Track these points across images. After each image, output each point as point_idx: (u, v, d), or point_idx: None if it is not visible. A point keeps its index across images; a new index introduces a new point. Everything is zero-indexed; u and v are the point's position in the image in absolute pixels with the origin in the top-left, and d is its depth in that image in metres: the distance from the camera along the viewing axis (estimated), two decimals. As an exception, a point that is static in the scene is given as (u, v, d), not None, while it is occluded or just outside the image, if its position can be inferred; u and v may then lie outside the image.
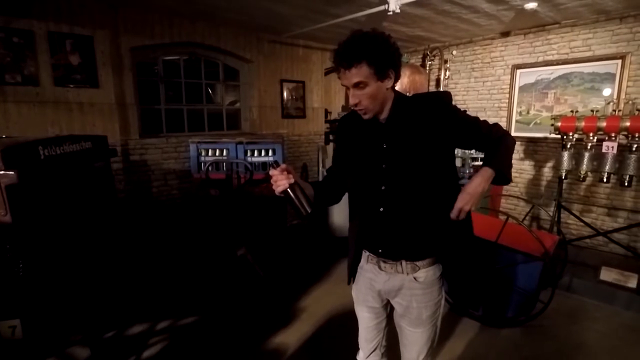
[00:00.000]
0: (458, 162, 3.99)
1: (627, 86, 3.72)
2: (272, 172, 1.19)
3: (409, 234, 1.29)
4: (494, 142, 1.26)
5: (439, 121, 1.21)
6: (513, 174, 4.84)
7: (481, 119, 1.30)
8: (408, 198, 1.26)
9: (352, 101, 1.19)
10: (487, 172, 1.19)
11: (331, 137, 6.07)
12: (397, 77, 1.21)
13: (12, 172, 1.88)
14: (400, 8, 3.03)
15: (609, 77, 3.84)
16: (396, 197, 1.27)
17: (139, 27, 3.62)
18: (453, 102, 1.30)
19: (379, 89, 1.17)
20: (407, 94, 1.92)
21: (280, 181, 1.17)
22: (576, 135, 3.31)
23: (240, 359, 2.43)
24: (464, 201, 1.16)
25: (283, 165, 1.19)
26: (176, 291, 3.24)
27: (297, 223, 5.30)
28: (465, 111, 1.33)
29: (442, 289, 1.40)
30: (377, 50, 1.11)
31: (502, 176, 1.21)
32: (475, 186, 1.17)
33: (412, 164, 1.23)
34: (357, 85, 1.15)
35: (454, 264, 1.35)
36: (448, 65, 5.05)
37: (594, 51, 3.91)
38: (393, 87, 1.24)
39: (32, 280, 2.05)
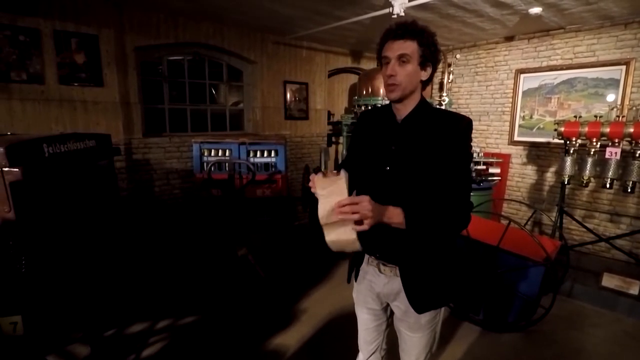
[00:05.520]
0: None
1: (631, 92, 3.72)
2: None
3: (405, 239, 1.29)
4: (444, 205, 1.18)
5: (448, 139, 1.21)
6: (516, 179, 4.76)
7: (464, 183, 1.22)
8: (407, 203, 1.26)
9: (389, 71, 1.19)
10: (398, 215, 1.13)
11: (333, 139, 6.10)
12: (430, 78, 1.25)
13: (17, 169, 1.89)
14: (404, 11, 3.03)
15: (612, 83, 3.83)
16: (396, 202, 1.27)
17: (143, 27, 3.64)
18: (472, 132, 1.27)
19: (415, 73, 1.20)
20: None
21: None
22: (579, 141, 3.30)
23: (240, 359, 2.43)
24: (365, 210, 1.05)
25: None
26: (177, 290, 3.24)
27: (298, 224, 5.31)
28: (472, 155, 1.31)
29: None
30: (429, 38, 1.19)
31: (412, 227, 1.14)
32: (384, 211, 1.12)
33: (415, 171, 1.23)
34: (400, 58, 1.18)
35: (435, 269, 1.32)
36: (452, 69, 5.05)
37: (598, 57, 3.91)
38: (423, 87, 1.27)
39: (34, 277, 2.06)
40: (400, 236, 1.29)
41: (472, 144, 1.28)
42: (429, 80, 1.25)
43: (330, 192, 1.09)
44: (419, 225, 1.15)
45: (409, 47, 1.17)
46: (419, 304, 1.30)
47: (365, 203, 1.07)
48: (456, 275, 1.40)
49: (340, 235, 1.09)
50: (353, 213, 1.05)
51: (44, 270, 2.14)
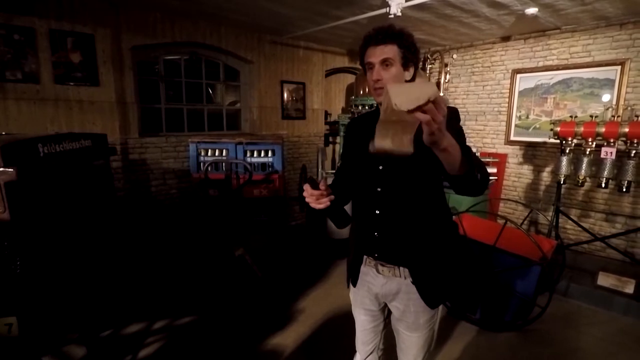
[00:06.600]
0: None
1: (626, 92, 3.74)
2: (311, 191, 1.18)
3: (403, 238, 1.29)
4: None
5: None
6: (512, 179, 4.76)
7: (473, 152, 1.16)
8: (403, 201, 1.27)
9: (375, 76, 1.22)
10: (456, 145, 0.97)
11: (330, 139, 6.11)
12: (413, 78, 1.27)
13: (11, 169, 1.88)
14: (401, 11, 3.03)
15: (608, 83, 3.85)
16: (391, 200, 1.28)
17: (140, 26, 3.62)
18: (461, 121, 1.27)
19: (399, 75, 1.23)
20: None
21: (323, 200, 1.19)
22: (575, 141, 3.32)
23: (237, 359, 2.43)
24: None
25: (323, 186, 1.20)
26: (173, 291, 3.23)
27: (295, 224, 5.31)
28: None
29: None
30: (407, 40, 1.22)
31: (466, 169, 1.01)
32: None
33: (409, 167, 1.23)
34: (383, 62, 1.20)
35: (441, 269, 1.33)
36: (448, 69, 5.07)
37: (593, 57, 3.93)
38: None
39: (29, 277, 2.04)
40: (397, 236, 1.29)
41: (469, 144, 1.29)
42: (413, 79, 1.27)
43: (418, 91, 0.83)
44: (471, 159, 1.01)
45: (390, 50, 1.20)
46: (432, 299, 1.31)
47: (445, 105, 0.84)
48: (461, 267, 1.41)
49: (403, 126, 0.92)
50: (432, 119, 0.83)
51: (39, 271, 2.12)
